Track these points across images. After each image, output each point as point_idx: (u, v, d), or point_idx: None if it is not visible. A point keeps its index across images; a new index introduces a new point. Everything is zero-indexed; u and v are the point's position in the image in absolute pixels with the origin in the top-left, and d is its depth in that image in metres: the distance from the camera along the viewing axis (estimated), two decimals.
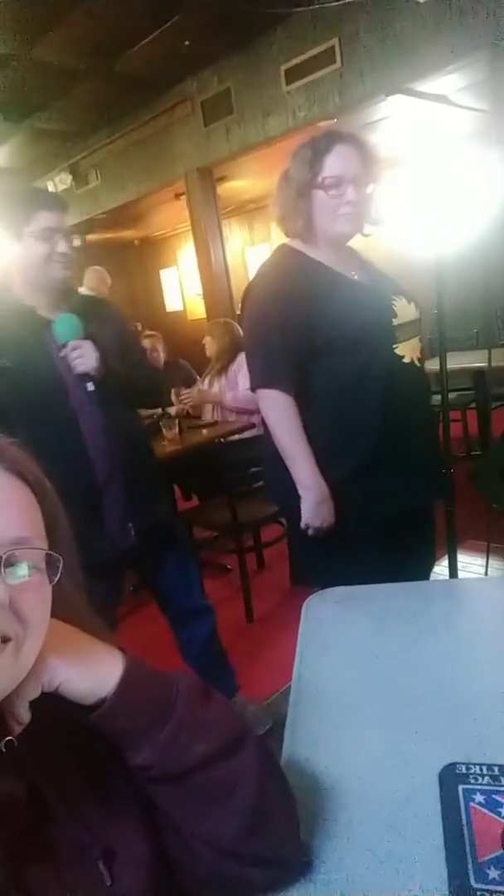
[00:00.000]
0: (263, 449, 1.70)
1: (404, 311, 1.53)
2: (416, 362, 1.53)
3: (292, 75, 4.44)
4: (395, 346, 1.49)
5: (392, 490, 1.53)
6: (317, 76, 4.30)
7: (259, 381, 1.54)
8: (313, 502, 1.51)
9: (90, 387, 1.55)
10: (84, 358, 1.55)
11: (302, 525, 1.54)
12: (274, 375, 1.51)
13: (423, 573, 1.64)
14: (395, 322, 1.49)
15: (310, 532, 1.54)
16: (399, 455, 1.52)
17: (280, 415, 1.52)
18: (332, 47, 4.14)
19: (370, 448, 1.50)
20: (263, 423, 1.68)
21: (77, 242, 1.66)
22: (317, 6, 4.06)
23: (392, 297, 1.53)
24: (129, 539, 1.71)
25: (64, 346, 1.56)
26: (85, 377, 1.55)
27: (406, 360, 1.51)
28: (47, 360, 1.58)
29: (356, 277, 1.54)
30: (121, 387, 1.65)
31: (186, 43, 4.37)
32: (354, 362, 1.47)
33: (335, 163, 1.45)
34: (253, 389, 1.57)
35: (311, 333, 1.46)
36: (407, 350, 1.51)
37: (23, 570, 0.55)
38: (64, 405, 1.59)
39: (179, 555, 1.94)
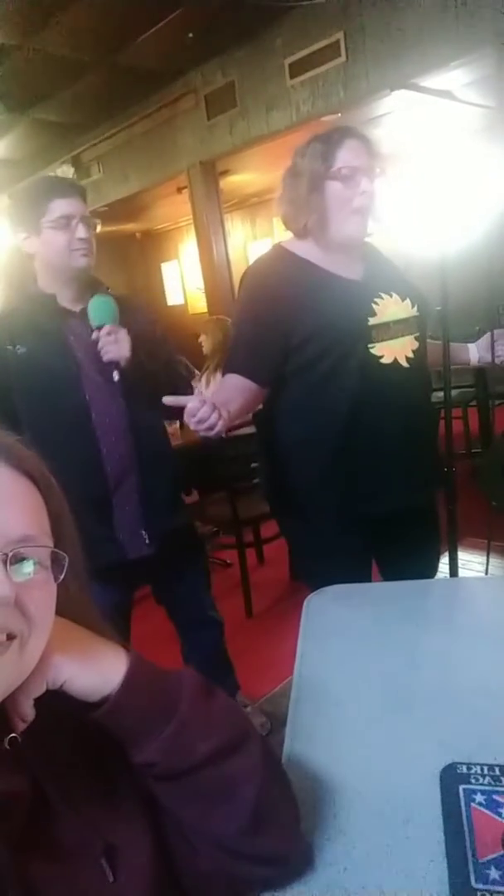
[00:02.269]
0: (257, 447, 1.71)
1: (392, 308, 1.49)
2: (405, 362, 1.48)
3: (296, 69, 4.41)
4: (371, 345, 1.45)
5: (365, 493, 1.52)
6: (321, 70, 4.28)
7: (225, 369, 1.55)
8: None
9: (116, 376, 1.50)
10: (118, 345, 1.50)
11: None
12: (238, 364, 1.51)
13: (421, 574, 1.63)
14: (373, 321, 1.46)
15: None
16: (372, 458, 1.50)
17: (225, 384, 1.50)
18: (337, 41, 4.11)
19: (337, 448, 1.50)
20: (255, 421, 1.69)
21: (98, 228, 1.61)
22: (322, 0, 4.04)
23: (379, 295, 1.49)
24: (143, 547, 1.64)
25: (99, 328, 1.51)
26: (112, 365, 1.50)
27: (386, 360, 1.46)
28: (64, 350, 1.55)
29: (350, 275, 1.52)
30: (145, 383, 1.57)
31: (190, 35, 4.34)
32: (326, 361, 1.47)
33: (349, 154, 1.44)
34: (224, 375, 1.57)
35: (286, 331, 1.47)
36: (388, 349, 1.47)
37: (28, 568, 0.55)
38: (77, 397, 1.55)
39: (196, 566, 1.89)
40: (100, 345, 1.50)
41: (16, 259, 1.66)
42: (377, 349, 1.46)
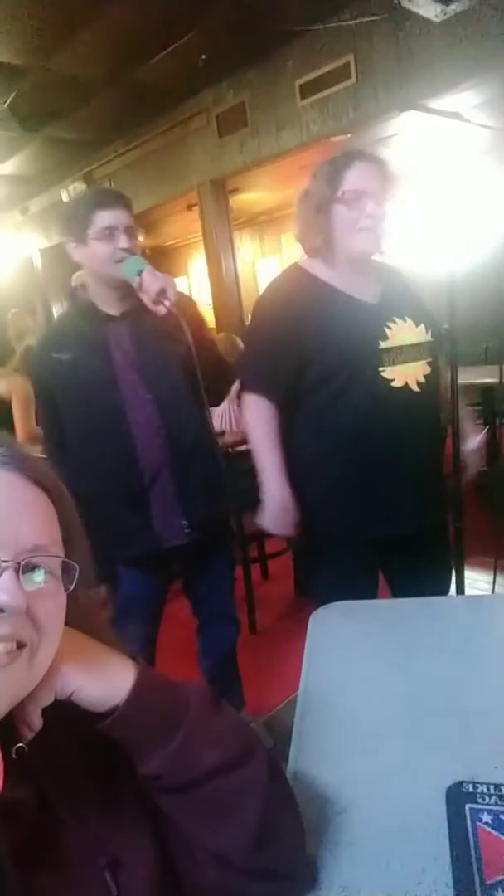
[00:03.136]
0: None
1: (404, 333, 1.51)
2: (416, 387, 1.49)
3: (307, 90, 4.47)
4: (382, 369, 1.47)
5: (374, 514, 1.54)
6: (331, 91, 4.33)
7: (244, 384, 1.61)
8: (271, 508, 1.59)
9: (167, 304, 1.51)
10: (161, 277, 1.53)
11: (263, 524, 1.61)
12: (257, 382, 1.58)
13: (432, 594, 1.62)
14: (385, 345, 1.47)
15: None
16: (381, 480, 1.51)
17: (255, 419, 1.58)
18: (348, 63, 4.17)
19: (347, 468, 1.52)
20: None
21: (141, 238, 1.68)
22: (333, 23, 4.10)
23: (393, 319, 1.50)
24: (181, 536, 1.71)
25: (138, 278, 1.54)
26: (162, 294, 1.52)
27: (396, 383, 1.48)
28: (103, 353, 1.63)
29: (365, 298, 1.53)
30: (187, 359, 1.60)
31: (203, 57, 4.41)
32: (336, 381, 1.49)
33: (355, 177, 1.47)
34: (240, 392, 1.63)
35: (300, 351, 1.49)
36: (400, 373, 1.48)
37: (39, 577, 0.55)
38: (112, 396, 1.62)
39: (226, 559, 1.97)
40: (144, 285, 1.53)
41: (67, 269, 1.74)
42: (388, 372, 1.47)
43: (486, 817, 0.73)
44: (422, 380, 1.51)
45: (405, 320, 1.52)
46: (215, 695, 0.66)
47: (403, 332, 1.50)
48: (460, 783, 0.78)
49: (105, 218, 1.57)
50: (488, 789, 0.77)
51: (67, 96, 4.82)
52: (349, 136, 4.43)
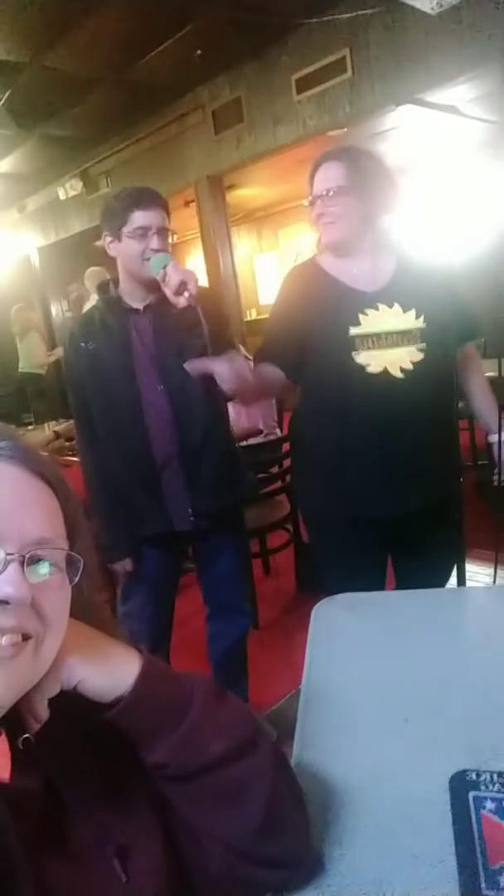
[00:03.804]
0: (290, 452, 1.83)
1: (385, 319, 1.50)
2: (398, 373, 1.49)
3: (303, 84, 4.46)
4: (354, 353, 1.49)
5: (352, 497, 1.57)
6: (328, 85, 4.32)
7: (256, 358, 1.68)
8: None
9: (186, 296, 1.55)
10: (184, 271, 1.58)
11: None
12: (264, 354, 1.65)
13: (434, 583, 1.64)
14: (355, 331, 1.49)
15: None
16: (363, 464, 1.54)
17: (258, 369, 1.63)
18: (344, 57, 4.16)
19: (333, 452, 1.57)
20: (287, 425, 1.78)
21: (173, 239, 1.76)
22: (328, 17, 4.09)
23: (375, 306, 1.51)
24: (188, 521, 1.78)
25: (163, 271, 1.59)
26: (182, 286, 1.56)
27: (373, 369, 1.48)
28: (125, 345, 1.71)
29: (358, 285, 1.55)
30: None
31: (198, 52, 4.40)
32: (317, 366, 1.56)
33: (317, 180, 1.55)
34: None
35: (300, 335, 1.57)
36: (377, 359, 1.48)
37: (44, 569, 0.56)
38: (132, 387, 1.70)
39: (239, 550, 2.01)
40: (166, 277, 1.58)
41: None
42: (362, 358, 1.49)
43: (489, 805, 0.74)
44: (408, 366, 1.50)
45: (392, 306, 1.51)
46: (221, 685, 0.67)
47: (384, 318, 1.51)
48: (464, 772, 0.79)
49: (140, 218, 1.63)
50: (491, 777, 0.77)
51: (63, 93, 4.81)
52: (346, 130, 4.42)
